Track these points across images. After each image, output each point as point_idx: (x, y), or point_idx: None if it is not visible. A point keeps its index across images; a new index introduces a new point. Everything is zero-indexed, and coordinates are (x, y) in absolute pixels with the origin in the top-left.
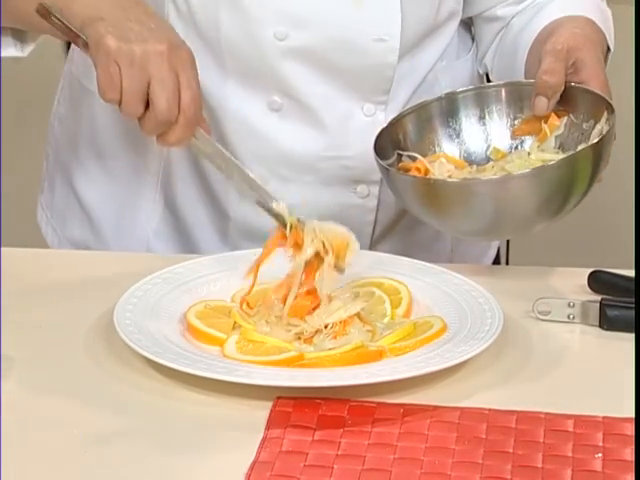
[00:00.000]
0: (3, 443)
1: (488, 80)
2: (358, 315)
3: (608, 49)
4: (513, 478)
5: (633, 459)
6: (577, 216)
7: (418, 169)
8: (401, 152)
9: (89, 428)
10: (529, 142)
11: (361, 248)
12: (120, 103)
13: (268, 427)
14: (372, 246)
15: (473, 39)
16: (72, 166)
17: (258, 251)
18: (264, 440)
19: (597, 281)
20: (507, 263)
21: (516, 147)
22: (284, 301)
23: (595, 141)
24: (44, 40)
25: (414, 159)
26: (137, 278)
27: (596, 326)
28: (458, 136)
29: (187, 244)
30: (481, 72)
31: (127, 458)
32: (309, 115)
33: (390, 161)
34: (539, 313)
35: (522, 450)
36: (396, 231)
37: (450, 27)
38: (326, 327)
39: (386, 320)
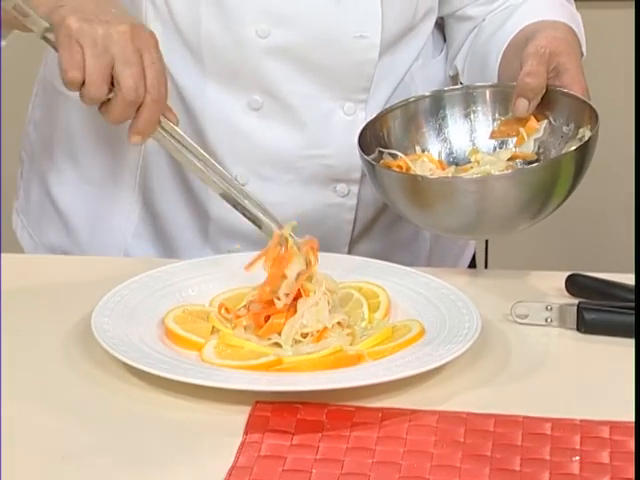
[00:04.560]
0: None
1: (458, 82)
2: (338, 321)
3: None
4: None
5: (608, 462)
6: (555, 220)
7: (400, 167)
8: (382, 149)
9: (66, 433)
10: (510, 144)
11: (340, 247)
12: (83, 84)
13: (246, 432)
14: (351, 245)
15: (445, 40)
16: (47, 171)
17: (234, 254)
18: (242, 445)
19: (575, 284)
20: (486, 266)
21: (496, 149)
22: (259, 326)
23: (578, 146)
24: (16, 45)
25: (395, 157)
26: (115, 283)
27: (573, 329)
28: (441, 135)
29: (166, 245)
30: (451, 74)
31: (105, 463)
32: (289, 114)
33: (371, 157)
34: (517, 316)
35: (500, 453)
36: (375, 230)
37: (427, 25)
38: (305, 337)
39: (363, 324)
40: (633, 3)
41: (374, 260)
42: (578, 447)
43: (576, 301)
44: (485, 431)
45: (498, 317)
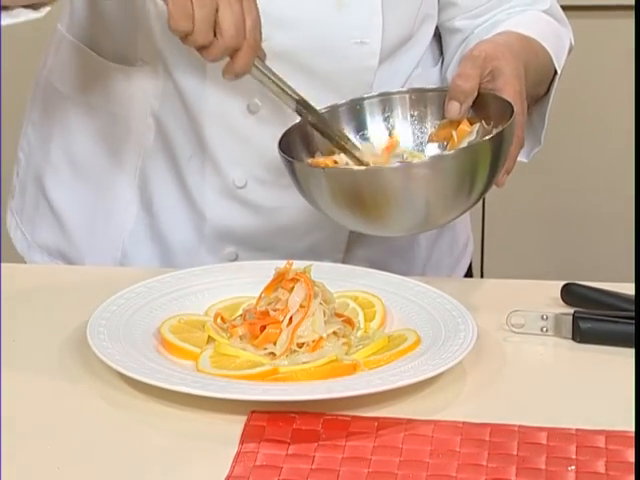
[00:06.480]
0: None
1: None
2: (333, 330)
3: (556, 73)
4: None
5: (604, 471)
6: (551, 229)
7: (327, 164)
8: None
9: (62, 443)
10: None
11: (335, 252)
12: (191, 33)
13: (242, 441)
14: (347, 251)
15: (442, 50)
16: (44, 170)
17: (230, 264)
18: (238, 454)
19: (570, 294)
20: (482, 276)
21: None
22: (255, 336)
23: (491, 136)
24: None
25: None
26: (111, 292)
27: (569, 339)
28: (367, 140)
29: (162, 245)
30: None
31: (100, 473)
32: (288, 118)
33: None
34: (512, 326)
35: (496, 463)
36: (371, 237)
37: (427, 33)
38: (300, 347)
39: (359, 333)
40: (633, 13)
41: (370, 269)
42: (574, 456)
43: (572, 310)
44: (481, 440)
45: (494, 326)
